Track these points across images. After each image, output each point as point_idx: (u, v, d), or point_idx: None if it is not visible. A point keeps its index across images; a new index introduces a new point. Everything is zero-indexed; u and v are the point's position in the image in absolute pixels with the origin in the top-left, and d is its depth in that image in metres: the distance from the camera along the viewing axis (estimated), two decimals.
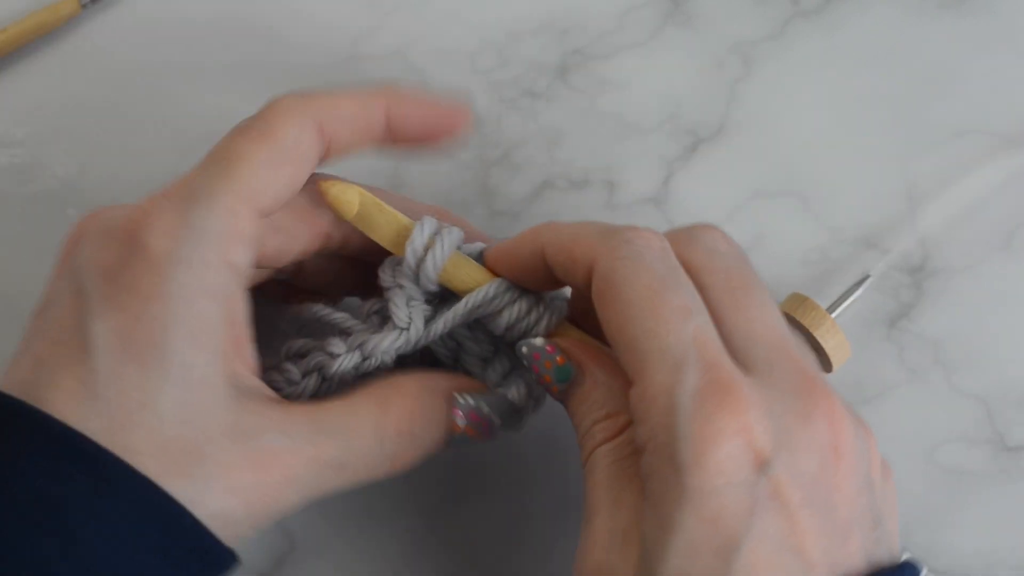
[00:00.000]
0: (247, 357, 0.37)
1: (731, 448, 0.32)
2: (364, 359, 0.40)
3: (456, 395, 0.39)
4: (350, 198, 0.40)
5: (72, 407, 0.33)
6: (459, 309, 0.40)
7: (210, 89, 0.52)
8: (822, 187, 0.51)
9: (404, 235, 0.40)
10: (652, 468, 0.33)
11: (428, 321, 0.40)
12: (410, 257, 0.39)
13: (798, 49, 0.53)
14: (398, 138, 0.41)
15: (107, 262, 0.35)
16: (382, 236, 0.40)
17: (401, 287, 0.40)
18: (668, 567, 0.32)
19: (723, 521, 0.32)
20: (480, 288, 0.40)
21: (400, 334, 0.40)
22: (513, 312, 0.40)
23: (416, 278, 0.40)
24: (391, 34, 0.53)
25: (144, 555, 0.33)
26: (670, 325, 0.34)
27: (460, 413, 0.39)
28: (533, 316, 0.40)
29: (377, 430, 0.38)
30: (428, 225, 0.40)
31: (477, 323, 0.42)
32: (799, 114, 0.52)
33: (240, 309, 0.37)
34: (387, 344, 0.40)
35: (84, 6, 0.52)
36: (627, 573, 0.33)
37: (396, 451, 0.38)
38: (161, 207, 0.36)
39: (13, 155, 0.51)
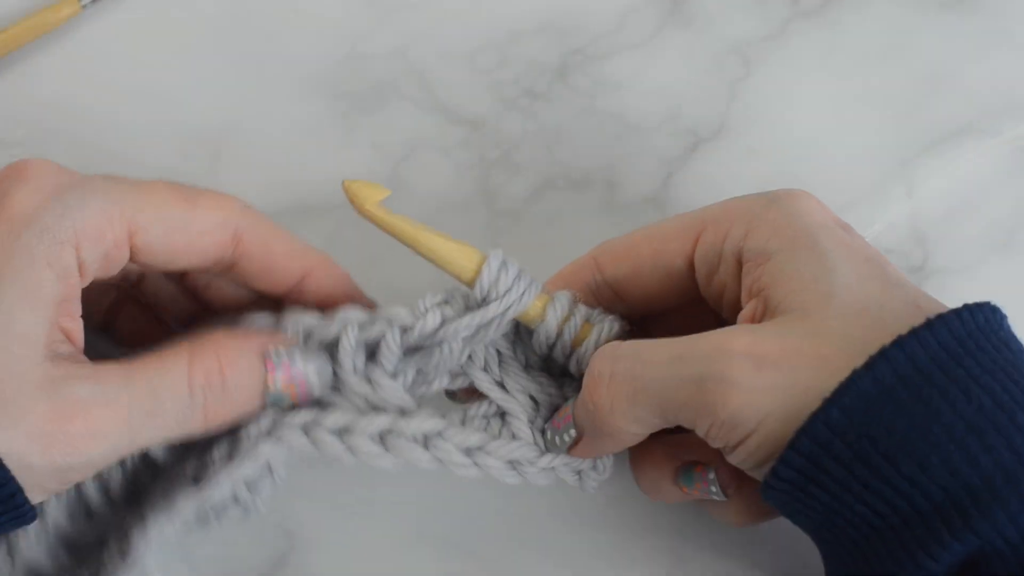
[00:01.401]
0: (76, 333, 0.38)
1: (817, 205, 0.40)
2: (371, 322, 0.40)
3: (271, 350, 0.39)
4: (370, 193, 0.41)
5: None
6: (489, 311, 0.40)
7: (210, 89, 0.52)
8: (822, 187, 0.51)
9: (465, 260, 0.40)
10: (775, 243, 0.38)
11: (446, 323, 0.40)
12: (544, 334, 0.41)
13: (798, 49, 0.53)
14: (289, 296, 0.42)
15: None
16: (435, 253, 0.41)
17: (445, 303, 0.41)
18: (839, 281, 0.37)
19: (855, 243, 0.39)
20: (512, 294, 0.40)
21: (408, 314, 0.40)
22: (551, 320, 0.41)
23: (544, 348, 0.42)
24: (391, 34, 0.53)
25: None
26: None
27: (272, 365, 0.39)
28: (573, 322, 0.41)
29: (184, 378, 0.38)
30: (564, 301, 0.41)
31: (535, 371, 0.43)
32: (799, 114, 0.52)
33: (75, 294, 0.37)
34: (392, 313, 0.40)
35: (84, 6, 0.52)
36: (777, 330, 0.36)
37: (206, 403, 0.38)
38: (44, 173, 0.37)
39: (13, 155, 0.51)
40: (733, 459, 0.37)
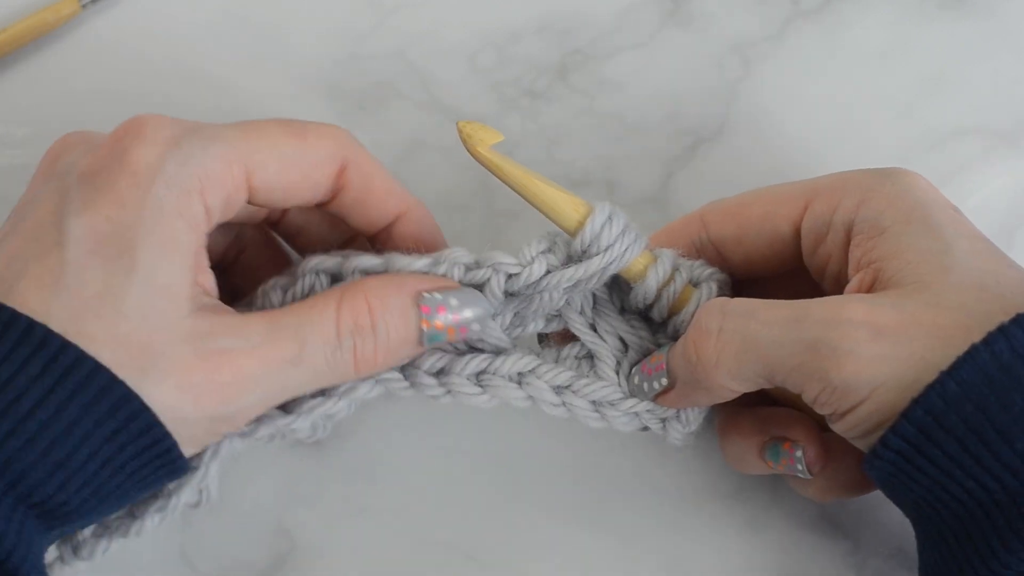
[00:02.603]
0: (209, 284, 0.38)
1: (928, 183, 0.40)
2: (477, 265, 0.40)
3: (424, 293, 0.39)
4: (484, 136, 0.41)
5: (37, 295, 0.34)
6: (592, 264, 0.40)
7: (210, 89, 0.52)
8: None
9: (570, 209, 0.41)
10: (890, 216, 0.39)
11: (550, 272, 0.40)
12: (644, 294, 0.41)
13: (798, 49, 0.53)
14: (379, 235, 0.42)
15: (92, 167, 0.36)
16: (539, 199, 0.41)
17: (548, 251, 0.41)
18: (956, 256, 0.37)
19: (966, 222, 0.39)
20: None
21: (515, 262, 0.40)
22: (651, 282, 0.41)
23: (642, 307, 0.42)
24: (391, 34, 0.53)
25: (95, 437, 0.34)
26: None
27: (428, 308, 0.39)
28: (673, 287, 0.41)
29: (333, 323, 0.38)
30: (668, 260, 0.41)
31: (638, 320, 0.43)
32: (799, 114, 0.52)
33: (203, 244, 0.38)
34: (498, 260, 0.40)
35: (84, 6, 0.52)
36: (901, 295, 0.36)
37: (356, 348, 0.38)
38: (156, 126, 0.37)
39: (13, 155, 0.51)
40: (839, 427, 0.37)
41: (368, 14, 0.53)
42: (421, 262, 0.40)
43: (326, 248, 0.43)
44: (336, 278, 0.41)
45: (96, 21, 0.53)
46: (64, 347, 0.34)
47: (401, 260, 0.40)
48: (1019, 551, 0.34)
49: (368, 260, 0.40)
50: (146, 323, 0.35)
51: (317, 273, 0.41)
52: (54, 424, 0.33)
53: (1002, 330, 0.34)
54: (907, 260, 0.37)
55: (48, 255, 0.35)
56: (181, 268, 0.36)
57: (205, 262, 0.38)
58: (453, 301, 0.39)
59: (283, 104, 0.52)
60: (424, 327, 0.39)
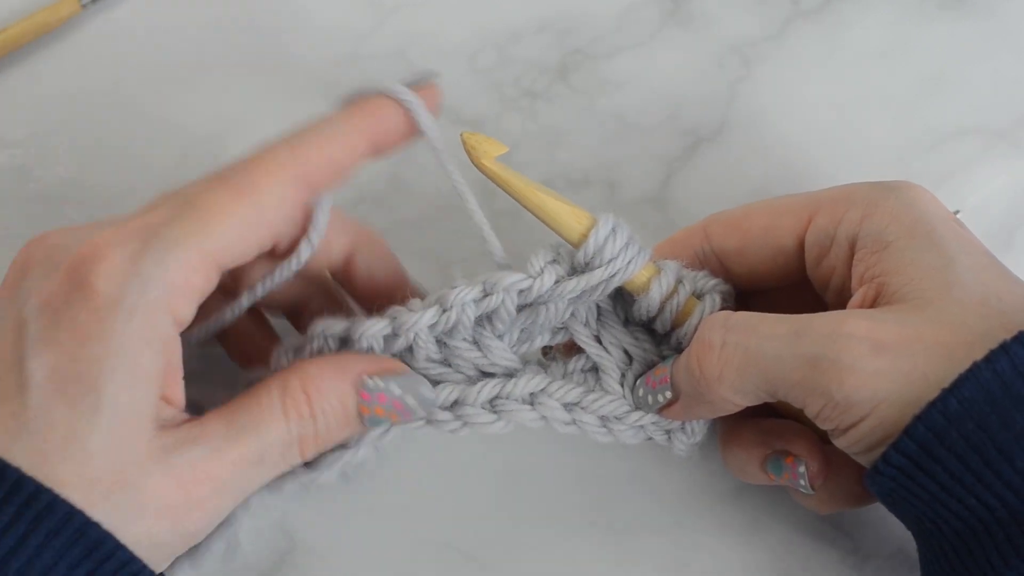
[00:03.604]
0: (177, 397, 0.37)
1: (932, 197, 0.40)
2: (485, 294, 0.40)
3: (365, 377, 0.39)
4: (488, 148, 0.41)
5: (2, 440, 0.34)
6: (595, 276, 0.40)
7: (210, 89, 0.52)
8: (822, 187, 0.51)
9: (572, 219, 0.41)
10: (893, 230, 0.39)
11: (558, 282, 0.40)
12: (650, 304, 0.41)
13: (798, 49, 0.53)
14: (381, 152, 0.41)
15: (51, 297, 0.35)
16: (543, 210, 0.41)
17: (555, 262, 0.41)
18: (958, 271, 0.37)
19: (969, 237, 0.39)
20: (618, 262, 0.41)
21: (525, 278, 0.40)
22: (654, 295, 0.41)
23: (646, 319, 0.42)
24: (391, 34, 0.53)
25: None
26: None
27: (367, 396, 0.38)
28: (676, 300, 0.41)
29: (282, 419, 0.37)
30: (672, 273, 0.41)
31: (644, 331, 0.43)
32: (799, 114, 0.52)
33: (175, 353, 0.37)
34: (509, 281, 0.40)
35: (84, 6, 0.52)
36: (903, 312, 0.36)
37: (301, 434, 0.38)
38: (113, 246, 0.35)
39: (13, 155, 0.51)
40: (842, 442, 0.37)
41: (368, 14, 0.53)
42: (430, 312, 0.40)
43: (285, 300, 0.43)
44: (345, 342, 0.40)
45: (96, 21, 0.53)
46: (37, 492, 0.33)
47: (404, 314, 0.40)
48: (1020, 568, 0.34)
49: (375, 325, 0.40)
50: (113, 457, 0.34)
51: (325, 338, 0.40)
52: (29, 571, 0.33)
53: (1004, 347, 0.34)
54: (910, 276, 0.37)
55: (11, 399, 0.34)
56: (146, 395, 0.35)
57: (179, 372, 0.37)
58: (395, 389, 0.39)
59: (283, 104, 0.52)
60: (364, 413, 0.39)
